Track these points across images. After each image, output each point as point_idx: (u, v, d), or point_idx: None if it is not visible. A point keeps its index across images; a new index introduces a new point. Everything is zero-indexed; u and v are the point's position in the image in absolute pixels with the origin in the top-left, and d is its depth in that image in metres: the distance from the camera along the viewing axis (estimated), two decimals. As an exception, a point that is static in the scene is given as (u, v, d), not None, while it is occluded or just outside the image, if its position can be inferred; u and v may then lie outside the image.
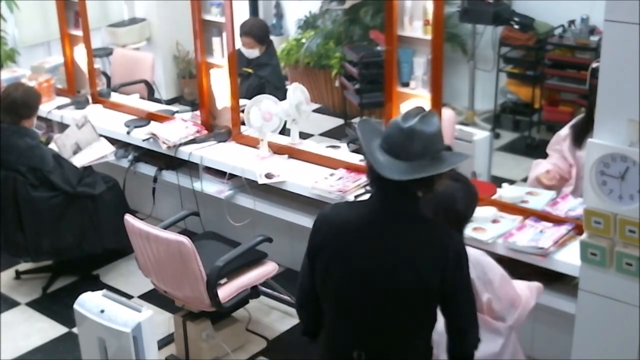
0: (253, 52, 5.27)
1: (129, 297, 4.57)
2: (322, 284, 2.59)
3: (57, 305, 4.59)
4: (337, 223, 2.55)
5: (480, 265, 2.88)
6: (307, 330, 2.81)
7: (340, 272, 2.52)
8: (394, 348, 2.54)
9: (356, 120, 6.53)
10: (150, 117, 5.10)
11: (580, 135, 3.84)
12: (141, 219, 3.80)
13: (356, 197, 3.95)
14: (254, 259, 3.96)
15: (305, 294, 2.69)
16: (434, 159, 2.43)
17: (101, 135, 4.96)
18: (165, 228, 3.82)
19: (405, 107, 3.94)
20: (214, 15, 4.63)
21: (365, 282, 2.48)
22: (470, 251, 2.84)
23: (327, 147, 4.56)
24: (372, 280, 2.47)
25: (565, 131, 4.03)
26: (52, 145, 4.75)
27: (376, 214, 2.49)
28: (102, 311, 3.36)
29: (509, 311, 2.94)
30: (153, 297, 4.40)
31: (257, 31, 5.32)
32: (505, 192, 3.80)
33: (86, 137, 4.86)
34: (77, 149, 4.79)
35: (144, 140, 4.83)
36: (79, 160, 4.69)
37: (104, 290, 3.52)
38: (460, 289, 2.50)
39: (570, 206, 3.63)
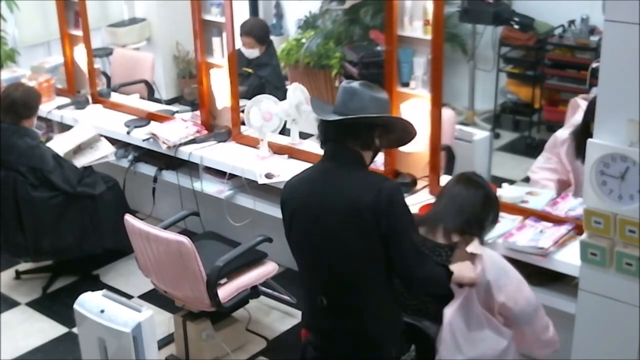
0: (253, 52, 5.27)
1: (129, 297, 4.57)
2: (290, 242, 2.89)
3: (57, 305, 4.59)
4: (293, 186, 2.85)
5: (498, 267, 2.91)
6: None
7: (300, 225, 2.80)
8: (349, 293, 2.75)
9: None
10: (150, 117, 5.10)
11: (582, 145, 3.81)
12: (141, 219, 3.80)
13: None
14: (254, 259, 3.96)
15: None
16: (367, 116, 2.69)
17: (101, 135, 4.96)
18: (165, 228, 3.82)
19: (405, 107, 3.95)
20: (214, 15, 4.64)
21: (318, 231, 2.74)
22: (490, 253, 2.90)
23: (327, 147, 4.55)
24: (323, 228, 2.72)
25: (563, 135, 4.01)
26: (50, 144, 4.73)
27: (322, 170, 2.78)
28: (102, 311, 3.36)
29: (528, 314, 2.98)
30: (153, 297, 4.40)
31: (258, 31, 5.32)
32: (505, 192, 3.80)
33: (87, 138, 4.86)
34: (77, 149, 4.79)
35: (144, 140, 4.83)
36: (79, 161, 4.69)
37: (104, 290, 3.52)
38: (397, 230, 2.67)
39: (570, 206, 3.63)
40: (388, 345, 2.81)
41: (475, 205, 3.00)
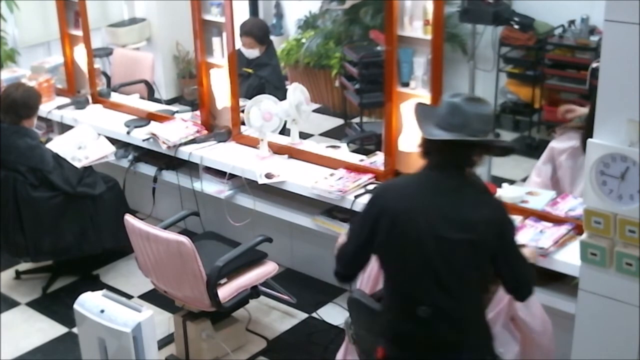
0: (253, 52, 5.27)
1: (129, 297, 4.57)
2: (385, 247, 2.74)
3: (57, 305, 4.59)
4: (396, 190, 2.78)
5: None
6: (346, 275, 2.93)
7: (407, 232, 2.67)
8: (455, 304, 2.67)
9: (356, 120, 6.53)
10: (150, 117, 5.10)
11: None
12: (141, 219, 3.80)
13: (356, 197, 3.95)
14: (254, 259, 3.96)
15: (354, 257, 2.83)
16: (471, 135, 2.62)
17: (100, 135, 4.96)
18: (165, 228, 3.82)
19: (405, 107, 3.95)
20: (214, 15, 4.63)
21: (430, 239, 2.64)
22: None
23: (327, 147, 4.55)
24: (437, 238, 2.63)
25: (561, 145, 4.02)
26: (50, 145, 4.73)
27: (430, 179, 2.71)
28: (102, 311, 3.36)
29: (539, 330, 3.13)
30: (153, 297, 4.40)
31: (257, 31, 5.32)
32: (505, 192, 3.80)
33: (87, 138, 4.86)
34: (77, 150, 4.79)
35: (144, 140, 4.83)
36: (79, 161, 4.69)
37: (104, 290, 3.52)
38: (509, 245, 2.70)
39: (570, 206, 3.63)
40: (487, 357, 2.80)
41: None
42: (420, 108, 2.84)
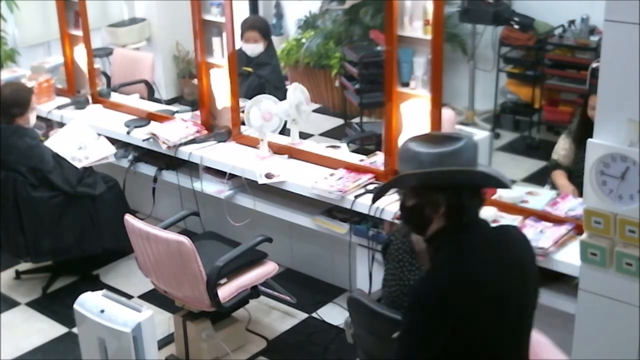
0: (257, 47, 5.24)
1: (129, 297, 4.57)
2: (473, 343, 2.25)
3: (57, 305, 4.59)
4: (465, 272, 2.24)
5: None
6: None
7: (491, 320, 2.26)
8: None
9: (356, 120, 6.53)
10: (150, 117, 5.10)
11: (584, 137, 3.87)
12: (141, 219, 3.79)
13: (356, 197, 3.95)
14: (254, 259, 3.95)
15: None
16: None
17: (101, 135, 4.96)
18: (165, 228, 3.82)
19: (405, 107, 3.95)
20: (214, 15, 4.63)
21: (512, 314, 2.29)
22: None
23: (327, 147, 4.56)
24: (518, 308, 2.31)
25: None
26: (48, 143, 4.72)
27: (482, 241, 2.30)
28: (102, 311, 3.36)
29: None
30: (153, 297, 4.40)
31: (261, 25, 5.33)
32: (505, 192, 3.80)
33: (87, 138, 4.85)
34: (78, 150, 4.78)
35: (144, 140, 4.83)
36: (79, 161, 4.69)
37: (104, 290, 3.52)
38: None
39: (570, 206, 3.63)
40: None
41: None
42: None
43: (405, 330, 2.26)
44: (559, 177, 4.15)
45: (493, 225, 2.39)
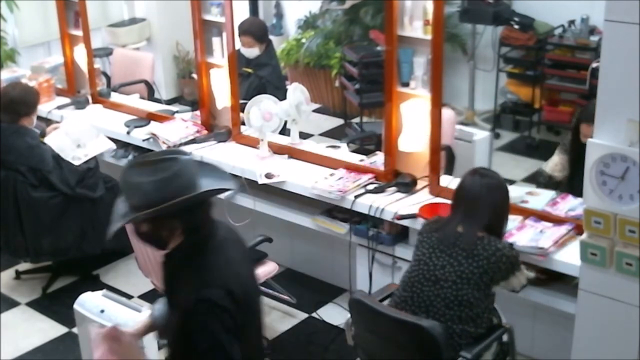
0: (252, 52, 5.26)
1: (129, 297, 4.56)
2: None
3: (57, 305, 4.59)
4: None
5: None
6: None
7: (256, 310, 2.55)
8: None
9: (356, 120, 6.53)
10: (150, 117, 5.10)
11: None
12: (141, 219, 3.79)
13: (356, 197, 3.95)
14: (253, 259, 3.95)
15: None
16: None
17: (100, 133, 4.95)
18: (165, 228, 3.81)
19: (405, 107, 3.95)
20: (214, 15, 4.63)
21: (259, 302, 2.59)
22: None
23: (327, 147, 4.56)
24: None
25: None
26: (47, 140, 4.71)
27: None
28: (102, 311, 3.36)
29: None
30: (153, 297, 4.39)
31: (256, 30, 5.31)
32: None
33: (85, 135, 4.84)
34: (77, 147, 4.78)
35: (144, 140, 4.83)
36: (79, 159, 4.67)
37: (104, 290, 3.52)
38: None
39: (570, 206, 3.62)
40: None
41: (478, 196, 3.10)
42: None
43: (211, 346, 2.26)
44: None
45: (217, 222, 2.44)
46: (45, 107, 5.24)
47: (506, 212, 3.18)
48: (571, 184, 3.87)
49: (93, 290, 3.53)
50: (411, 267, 3.20)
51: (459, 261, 3.06)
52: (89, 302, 3.43)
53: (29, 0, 6.50)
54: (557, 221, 3.54)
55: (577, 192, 3.42)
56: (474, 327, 3.06)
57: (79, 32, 5.38)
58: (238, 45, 4.95)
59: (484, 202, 3.10)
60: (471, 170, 3.23)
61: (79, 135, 4.82)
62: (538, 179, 4.17)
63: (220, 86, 4.71)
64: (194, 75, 5.00)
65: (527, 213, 3.65)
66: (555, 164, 4.06)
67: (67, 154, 4.65)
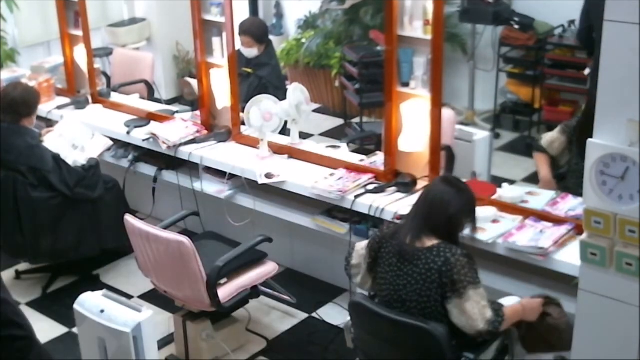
0: (252, 52, 5.27)
1: (129, 297, 4.56)
2: None
3: (57, 305, 4.59)
4: None
5: None
6: None
7: None
8: None
9: (356, 120, 6.53)
10: (150, 117, 5.10)
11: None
12: (141, 219, 3.80)
13: (356, 197, 3.95)
14: (254, 259, 3.95)
15: None
16: None
17: (95, 133, 4.94)
18: (165, 228, 3.82)
19: (405, 107, 3.94)
20: (214, 15, 4.63)
21: None
22: None
23: (327, 147, 4.56)
24: None
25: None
26: (45, 142, 4.70)
27: None
28: (102, 311, 3.36)
29: None
30: (153, 297, 4.40)
31: (255, 30, 5.32)
32: (505, 192, 3.80)
33: (79, 136, 4.84)
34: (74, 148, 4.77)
35: (144, 140, 4.83)
36: (78, 159, 4.67)
37: (104, 290, 3.51)
38: None
39: (570, 206, 3.63)
40: None
41: (447, 205, 3.05)
42: None
43: None
44: (542, 163, 4.08)
45: None
46: (45, 107, 5.24)
47: (462, 222, 3.11)
48: (574, 167, 3.91)
49: (93, 290, 3.53)
50: (380, 284, 3.17)
51: (415, 279, 3.03)
52: (89, 302, 3.43)
53: (29, 0, 6.50)
54: (557, 221, 3.54)
55: (573, 177, 3.47)
56: (463, 334, 3.04)
57: (79, 32, 5.38)
58: (238, 45, 4.95)
59: (438, 209, 3.05)
60: (440, 177, 3.23)
61: (73, 136, 4.82)
62: (532, 143, 4.18)
63: (220, 86, 4.71)
64: (187, 79, 4.99)
65: (527, 213, 3.65)
66: (552, 141, 4.07)
67: (65, 156, 4.64)
